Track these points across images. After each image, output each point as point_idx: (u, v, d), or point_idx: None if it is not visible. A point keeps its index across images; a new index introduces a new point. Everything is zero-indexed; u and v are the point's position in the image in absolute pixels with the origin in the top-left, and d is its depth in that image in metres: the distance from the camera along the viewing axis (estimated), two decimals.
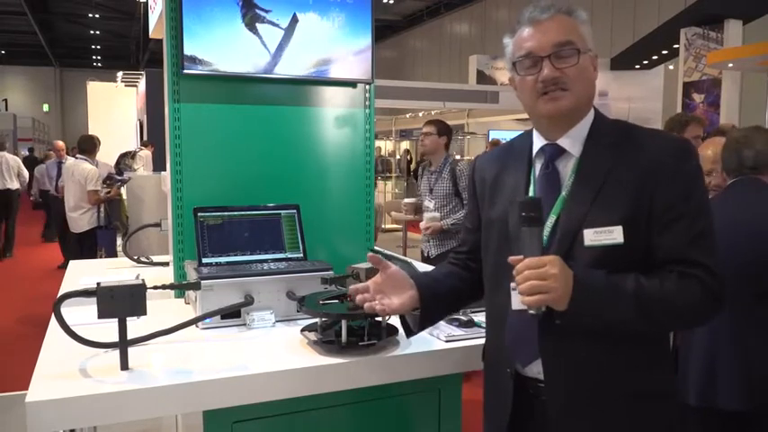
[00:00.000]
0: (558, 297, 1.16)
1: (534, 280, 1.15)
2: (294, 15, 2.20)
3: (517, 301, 1.22)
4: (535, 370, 1.32)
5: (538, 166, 1.37)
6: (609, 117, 1.39)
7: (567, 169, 1.32)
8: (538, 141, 1.38)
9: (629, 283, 1.20)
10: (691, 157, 1.27)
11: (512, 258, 1.20)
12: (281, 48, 2.19)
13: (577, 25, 1.30)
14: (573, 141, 1.32)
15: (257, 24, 2.16)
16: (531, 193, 1.35)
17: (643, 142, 1.28)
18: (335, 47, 2.28)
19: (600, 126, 1.33)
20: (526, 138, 1.43)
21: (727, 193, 2.24)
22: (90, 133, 7.96)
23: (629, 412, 1.27)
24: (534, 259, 1.17)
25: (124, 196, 6.35)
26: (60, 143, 9.18)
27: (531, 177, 1.37)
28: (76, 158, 6.67)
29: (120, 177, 6.76)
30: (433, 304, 1.47)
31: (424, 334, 1.74)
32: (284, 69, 2.22)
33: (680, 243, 1.23)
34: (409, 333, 1.52)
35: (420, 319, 1.47)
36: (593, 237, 1.23)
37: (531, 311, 1.18)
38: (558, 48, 1.26)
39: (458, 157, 13.02)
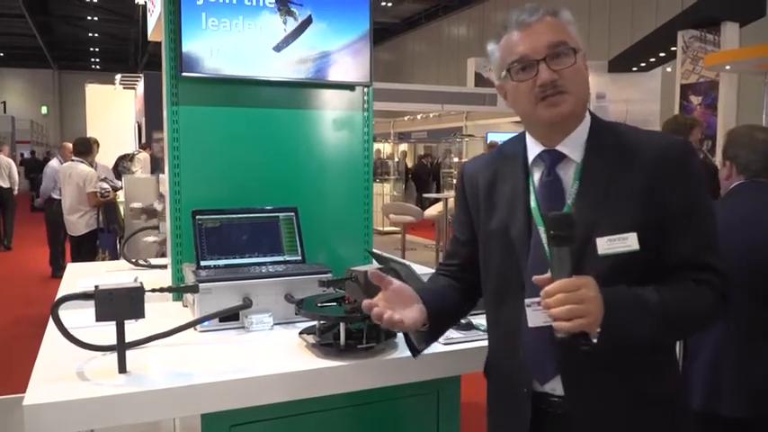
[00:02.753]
0: (595, 321, 1.09)
1: (572, 304, 1.07)
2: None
3: (535, 319, 1.17)
4: (549, 386, 1.27)
5: (537, 174, 1.30)
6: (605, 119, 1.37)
7: (568, 176, 1.26)
8: (534, 148, 1.31)
9: (652, 296, 1.16)
10: (694, 157, 1.25)
11: (537, 278, 1.12)
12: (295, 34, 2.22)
13: (565, 26, 1.25)
14: (573, 146, 1.26)
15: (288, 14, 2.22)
16: (532, 203, 1.28)
17: (644, 144, 1.24)
18: (334, 50, 2.28)
19: (598, 129, 1.28)
20: (517, 142, 1.37)
21: (739, 195, 2.18)
22: (88, 136, 7.94)
23: (645, 417, 1.24)
24: (568, 281, 1.08)
25: (121, 199, 6.35)
26: (69, 145, 9.02)
27: (530, 186, 1.30)
28: (72, 161, 6.67)
29: (111, 184, 6.78)
30: (440, 316, 1.39)
31: None
32: (283, 72, 2.22)
33: (692, 247, 1.20)
34: (415, 352, 1.42)
35: (428, 333, 1.38)
36: (608, 245, 1.17)
37: (560, 335, 1.09)
38: (552, 49, 1.21)
39: (455, 159, 13.05)
